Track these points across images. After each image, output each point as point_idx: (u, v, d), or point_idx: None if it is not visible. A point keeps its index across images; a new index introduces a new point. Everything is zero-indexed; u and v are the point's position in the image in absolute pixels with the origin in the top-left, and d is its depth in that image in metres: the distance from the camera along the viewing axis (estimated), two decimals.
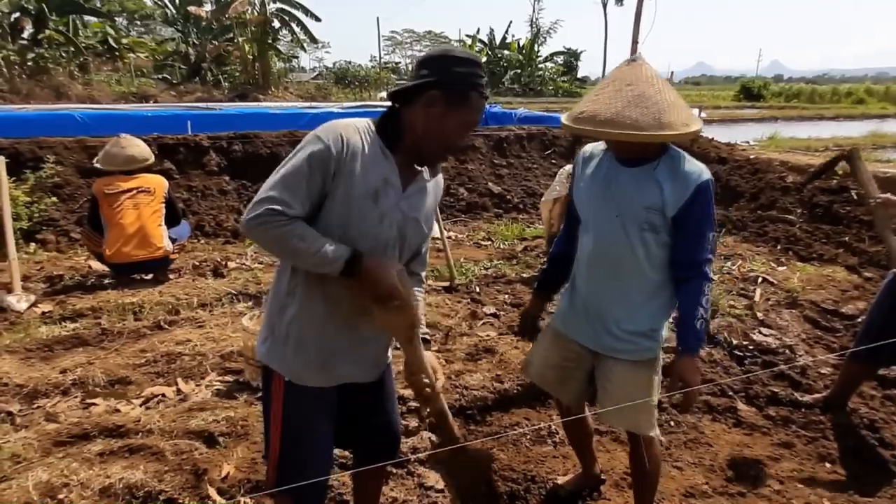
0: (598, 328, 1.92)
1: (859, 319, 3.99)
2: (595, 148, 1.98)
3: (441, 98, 1.45)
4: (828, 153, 9.29)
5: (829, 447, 2.76)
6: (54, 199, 5.58)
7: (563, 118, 1.86)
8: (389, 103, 1.55)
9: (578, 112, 1.77)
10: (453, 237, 6.23)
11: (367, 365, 1.67)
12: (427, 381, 1.59)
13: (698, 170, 1.77)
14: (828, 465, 2.67)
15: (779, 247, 5.75)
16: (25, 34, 16.27)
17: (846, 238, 5.63)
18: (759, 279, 4.68)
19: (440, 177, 1.68)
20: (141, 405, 2.94)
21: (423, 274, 1.79)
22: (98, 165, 4.56)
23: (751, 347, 3.60)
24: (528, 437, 2.79)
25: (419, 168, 1.57)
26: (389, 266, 1.45)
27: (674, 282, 1.85)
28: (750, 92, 36.92)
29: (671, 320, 1.96)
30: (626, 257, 1.82)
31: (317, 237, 1.40)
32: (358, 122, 1.49)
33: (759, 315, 3.99)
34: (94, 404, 2.93)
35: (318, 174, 1.40)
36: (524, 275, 5.02)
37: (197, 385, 3.13)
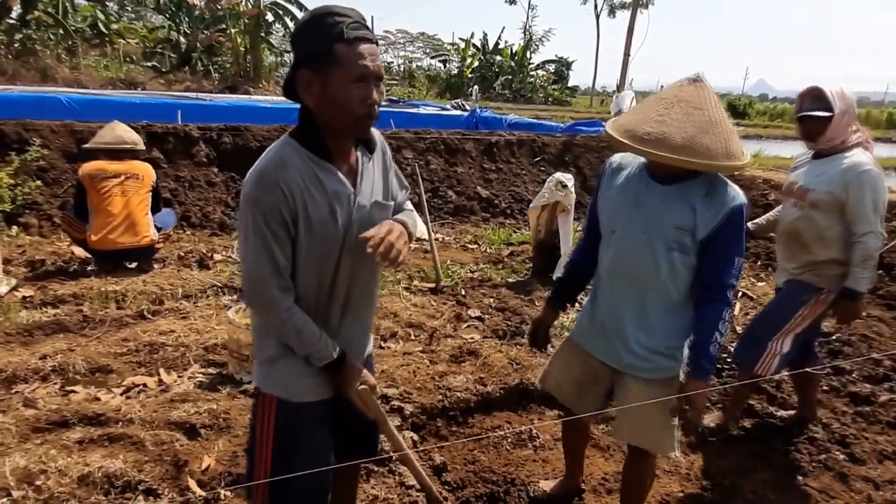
0: (616, 345, 1.89)
1: (833, 336, 4.10)
2: (625, 159, 1.90)
3: (311, 75, 1.33)
4: None
5: (802, 460, 2.82)
6: (39, 182, 5.50)
7: (617, 133, 1.70)
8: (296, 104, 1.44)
9: (642, 132, 1.64)
10: (440, 239, 6.26)
11: (358, 361, 1.65)
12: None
13: (733, 193, 1.72)
14: (800, 477, 2.73)
15: (759, 262, 5.86)
16: (13, 14, 15.98)
17: None
18: (739, 293, 4.77)
19: (380, 144, 1.59)
20: (122, 394, 2.92)
21: (406, 195, 1.72)
22: (88, 146, 4.53)
23: (729, 360, 3.67)
24: (509, 439, 2.82)
25: (356, 154, 1.50)
26: (356, 380, 1.56)
27: (695, 303, 1.80)
28: (736, 109, 37.44)
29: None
30: (650, 275, 1.78)
31: (311, 332, 1.47)
32: (282, 153, 1.39)
33: (738, 328, 4.06)
34: (73, 391, 2.91)
35: (281, 230, 1.38)
36: (510, 279, 5.06)
37: (179, 376, 3.12)
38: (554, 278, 4.97)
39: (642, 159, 1.83)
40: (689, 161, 1.59)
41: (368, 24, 1.38)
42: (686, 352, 1.88)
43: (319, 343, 1.49)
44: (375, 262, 1.56)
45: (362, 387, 1.58)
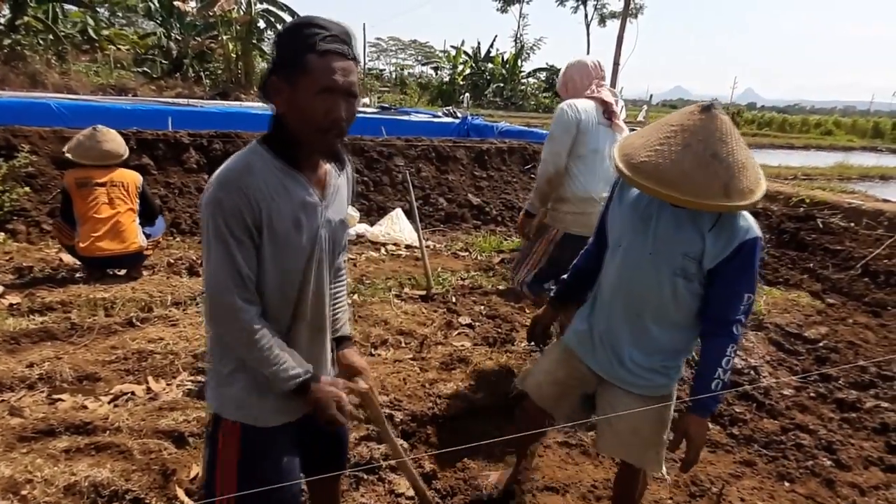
0: (612, 359, 1.86)
1: (821, 343, 4.14)
2: None
3: (280, 82, 1.32)
4: (797, 181, 9.59)
5: (789, 466, 2.85)
6: (27, 188, 5.45)
7: (617, 154, 1.65)
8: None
9: (638, 160, 1.58)
10: (431, 246, 6.26)
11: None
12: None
13: (746, 225, 1.63)
14: (787, 483, 2.76)
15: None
16: (2, 19, 15.89)
17: (811, 265, 5.82)
18: None
19: (349, 167, 1.58)
20: (109, 402, 2.89)
21: (345, 260, 1.75)
22: (70, 157, 4.38)
23: None
24: (499, 446, 2.82)
25: (326, 167, 1.48)
26: (334, 395, 1.45)
27: (700, 335, 1.77)
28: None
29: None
30: (652, 297, 1.74)
31: (276, 352, 1.39)
32: (248, 159, 1.37)
33: None
34: (60, 400, 2.88)
35: (245, 236, 1.33)
36: (500, 286, 5.07)
37: (168, 384, 3.10)
38: (545, 286, 4.98)
39: None
40: (675, 197, 1.51)
41: (353, 40, 1.36)
42: (682, 371, 1.87)
43: (287, 363, 1.40)
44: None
45: (364, 387, 1.56)
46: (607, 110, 3.03)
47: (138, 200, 4.54)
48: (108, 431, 2.58)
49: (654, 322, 1.78)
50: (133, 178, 4.57)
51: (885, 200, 7.24)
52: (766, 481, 2.76)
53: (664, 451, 1.89)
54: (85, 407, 2.83)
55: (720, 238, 1.62)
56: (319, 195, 1.45)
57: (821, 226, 6.39)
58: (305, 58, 1.29)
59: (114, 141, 4.51)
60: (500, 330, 4.08)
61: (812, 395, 3.52)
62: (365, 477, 2.48)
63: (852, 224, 6.37)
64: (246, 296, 1.36)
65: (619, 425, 1.87)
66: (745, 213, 1.65)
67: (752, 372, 3.68)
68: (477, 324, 4.19)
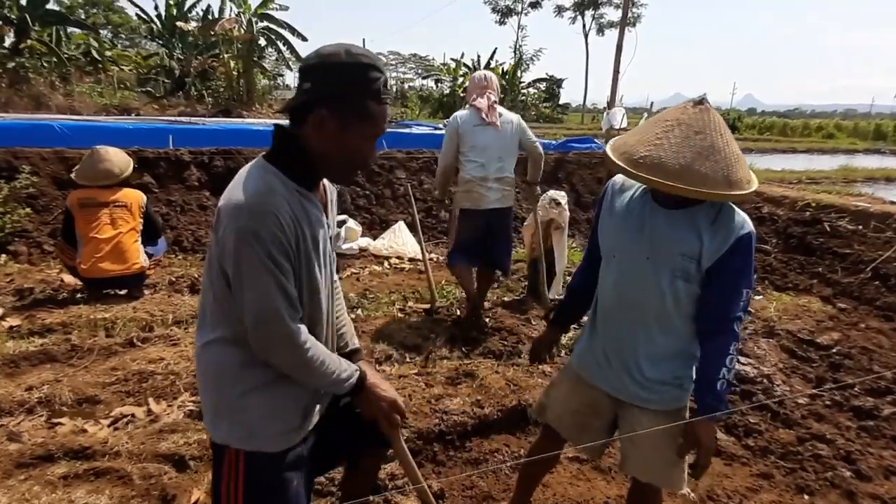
0: (622, 376, 1.80)
1: (834, 349, 4.06)
2: (627, 181, 1.80)
3: (331, 118, 1.29)
4: (801, 185, 9.51)
5: (807, 478, 2.76)
6: (28, 209, 5.44)
7: (615, 154, 1.63)
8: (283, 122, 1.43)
9: (638, 156, 1.57)
10: (435, 259, 6.21)
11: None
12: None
13: (741, 220, 1.63)
14: (806, 496, 2.67)
15: (755, 276, 5.84)
16: (6, 43, 16.04)
17: (820, 269, 5.74)
18: None
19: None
20: (109, 426, 2.84)
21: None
22: (74, 178, 4.42)
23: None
24: (508, 464, 2.75)
25: (324, 182, 1.51)
26: (392, 396, 1.53)
27: (699, 335, 1.72)
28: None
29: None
30: (654, 304, 1.70)
31: (328, 362, 1.41)
32: (266, 181, 1.32)
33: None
34: (59, 424, 2.83)
35: (285, 260, 1.31)
36: (505, 298, 5.01)
37: (169, 406, 3.04)
38: (549, 297, 4.92)
39: None
40: (682, 188, 1.50)
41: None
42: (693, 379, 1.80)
43: (340, 367, 1.44)
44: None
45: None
46: (483, 116, 3.94)
47: (142, 220, 4.51)
48: (107, 456, 2.53)
49: (658, 330, 1.74)
50: (136, 197, 4.54)
51: (892, 203, 7.15)
52: (784, 494, 2.68)
53: (686, 468, 1.82)
54: (84, 431, 2.77)
55: (717, 235, 1.61)
56: (324, 212, 1.48)
57: (828, 229, 6.30)
58: (367, 104, 1.32)
59: (111, 161, 4.44)
60: (505, 343, 4.01)
61: (828, 403, 3.43)
62: (372, 499, 2.41)
63: (860, 227, 6.28)
64: (296, 315, 1.35)
65: (642, 446, 1.80)
66: (738, 209, 1.66)
67: (765, 380, 3.60)
68: (482, 336, 4.12)
